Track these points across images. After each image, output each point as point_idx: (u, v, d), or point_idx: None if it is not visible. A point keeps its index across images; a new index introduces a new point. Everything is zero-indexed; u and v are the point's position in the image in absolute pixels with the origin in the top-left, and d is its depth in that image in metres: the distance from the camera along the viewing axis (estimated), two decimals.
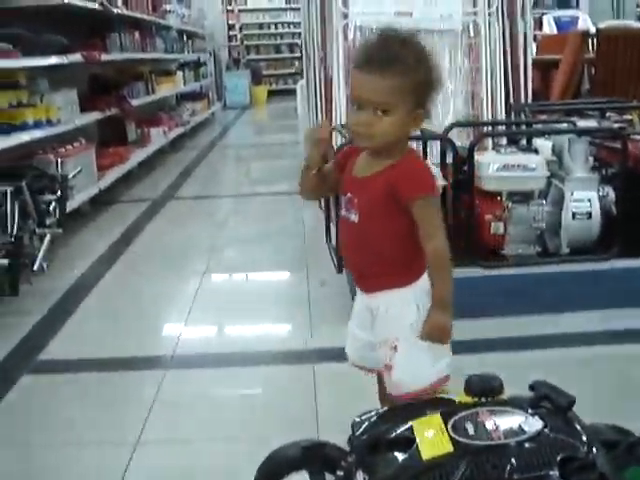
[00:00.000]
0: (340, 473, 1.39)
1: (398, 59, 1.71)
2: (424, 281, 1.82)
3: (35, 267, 3.76)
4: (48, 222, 4.18)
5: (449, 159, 3.40)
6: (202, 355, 3.09)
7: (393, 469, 1.30)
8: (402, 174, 1.76)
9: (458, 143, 3.43)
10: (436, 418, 1.39)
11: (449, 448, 1.29)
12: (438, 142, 3.62)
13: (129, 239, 4.97)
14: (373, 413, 1.51)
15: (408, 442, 1.34)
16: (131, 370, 2.86)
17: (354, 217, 1.82)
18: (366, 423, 1.48)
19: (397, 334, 1.83)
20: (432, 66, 1.77)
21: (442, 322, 1.79)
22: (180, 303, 3.69)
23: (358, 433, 1.46)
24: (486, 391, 1.47)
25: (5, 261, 3.41)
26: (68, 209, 4.66)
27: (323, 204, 4.37)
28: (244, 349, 3.11)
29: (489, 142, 3.86)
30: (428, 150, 3.70)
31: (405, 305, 1.83)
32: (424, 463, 1.28)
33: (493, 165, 3.34)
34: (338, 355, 2.88)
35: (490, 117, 4.18)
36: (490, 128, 4.17)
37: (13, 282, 3.51)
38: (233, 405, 2.63)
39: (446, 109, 4.16)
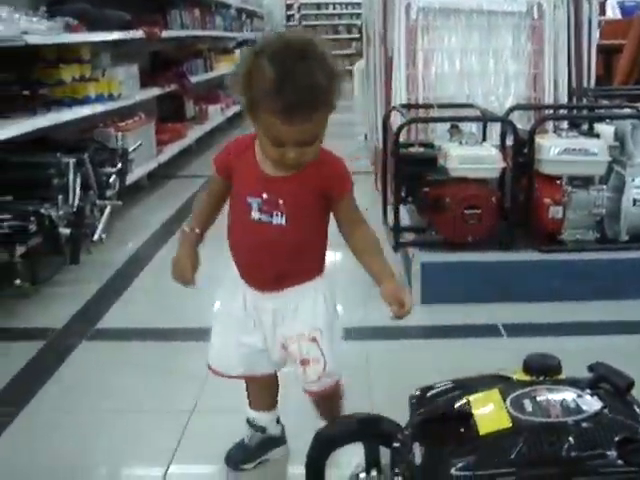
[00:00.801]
0: (396, 445, 1.40)
1: (320, 97, 1.67)
2: (327, 272, 1.93)
3: (95, 237, 3.85)
4: (108, 194, 4.26)
5: (509, 142, 3.38)
6: None
7: (450, 443, 1.30)
8: (332, 174, 1.81)
9: (519, 126, 3.40)
10: (494, 394, 1.39)
11: (507, 424, 1.29)
12: (498, 124, 3.60)
13: (185, 214, 5.03)
14: (430, 387, 1.52)
15: (465, 416, 1.35)
16: (187, 341, 2.90)
17: (279, 220, 1.79)
18: (423, 397, 1.49)
19: (316, 325, 1.87)
20: (335, 69, 1.70)
21: (403, 288, 1.86)
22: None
23: (415, 407, 1.46)
24: (545, 370, 1.46)
25: (67, 231, 3.49)
26: (127, 182, 4.74)
27: (379, 185, 4.38)
28: None
29: (550, 126, 3.82)
30: (487, 132, 3.69)
31: (317, 296, 1.88)
32: (481, 438, 1.28)
33: (554, 149, 3.31)
34: (391, 334, 2.96)
35: (552, 101, 4.13)
36: (552, 111, 4.13)
37: (75, 251, 3.59)
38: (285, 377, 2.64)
39: (507, 91, 4.13)
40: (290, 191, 1.78)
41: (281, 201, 1.78)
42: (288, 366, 1.97)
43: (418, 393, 1.51)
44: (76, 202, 3.68)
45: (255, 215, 1.80)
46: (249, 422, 2.10)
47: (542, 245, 3.32)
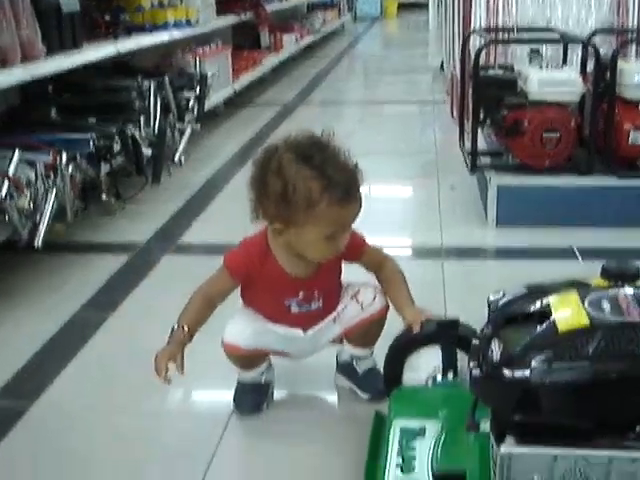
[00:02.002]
0: (475, 342, 1.44)
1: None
2: None
3: (175, 159, 3.94)
4: (187, 118, 4.34)
5: (590, 67, 3.33)
6: None
7: (529, 339, 1.34)
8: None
9: (601, 50, 3.34)
10: (573, 295, 1.42)
11: (585, 322, 1.33)
12: (579, 49, 3.54)
13: (261, 140, 5.09)
14: (509, 291, 1.55)
15: (544, 315, 1.39)
16: None
17: (317, 304, 1.90)
18: (503, 299, 1.52)
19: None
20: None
21: (424, 311, 1.86)
22: None
23: (494, 307, 1.51)
24: (623, 275, 1.49)
25: (149, 151, 3.59)
26: (205, 108, 4.81)
27: (456, 112, 4.37)
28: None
29: (633, 51, 3.75)
30: (568, 57, 3.63)
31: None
32: (560, 334, 1.32)
33: (637, 74, 3.25)
34: (467, 253, 3.00)
35: (636, 25, 4.03)
36: (636, 35, 4.03)
37: (156, 171, 3.70)
38: None
39: (589, 16, 4.04)
40: (321, 283, 1.89)
41: (316, 292, 1.88)
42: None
43: (497, 295, 1.55)
44: (157, 124, 3.77)
45: (294, 310, 1.89)
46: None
47: (620, 171, 3.28)
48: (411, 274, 2.80)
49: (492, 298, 1.54)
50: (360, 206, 1.73)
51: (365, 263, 1.95)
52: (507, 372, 1.28)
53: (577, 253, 2.96)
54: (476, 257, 2.96)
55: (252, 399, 1.98)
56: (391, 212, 3.63)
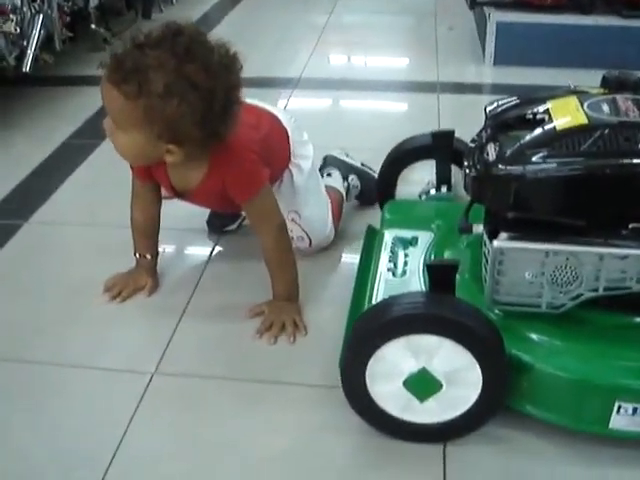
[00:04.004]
0: (471, 146, 1.43)
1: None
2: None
3: None
4: None
5: None
6: (327, 80, 3.17)
7: (525, 138, 1.32)
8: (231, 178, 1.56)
9: None
10: (572, 100, 1.40)
11: (583, 121, 1.31)
12: None
13: None
14: (507, 99, 1.53)
15: (542, 118, 1.37)
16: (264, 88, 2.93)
17: None
18: (500, 106, 1.50)
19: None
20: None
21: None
22: (308, 35, 3.76)
23: (491, 113, 1.48)
24: (624, 84, 1.46)
25: None
26: None
27: None
28: (370, 77, 3.19)
29: None
30: None
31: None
32: (557, 133, 1.30)
33: None
34: (462, 88, 2.96)
35: None
36: None
37: (146, 6, 3.60)
38: (358, 125, 2.68)
39: None
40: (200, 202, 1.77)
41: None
42: None
43: (494, 103, 1.52)
44: None
45: None
46: None
47: (624, 10, 3.20)
48: (408, 106, 2.86)
49: (489, 107, 1.52)
50: (122, 98, 1.36)
51: (247, 215, 1.74)
52: (503, 168, 1.27)
53: None
54: (472, 92, 2.92)
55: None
56: (387, 51, 3.58)
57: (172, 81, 1.34)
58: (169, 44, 1.35)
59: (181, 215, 1.82)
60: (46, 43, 2.80)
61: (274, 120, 1.76)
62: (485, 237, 1.33)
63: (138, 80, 1.33)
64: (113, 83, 1.36)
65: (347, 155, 2.11)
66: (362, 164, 2.10)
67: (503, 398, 1.28)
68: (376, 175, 1.96)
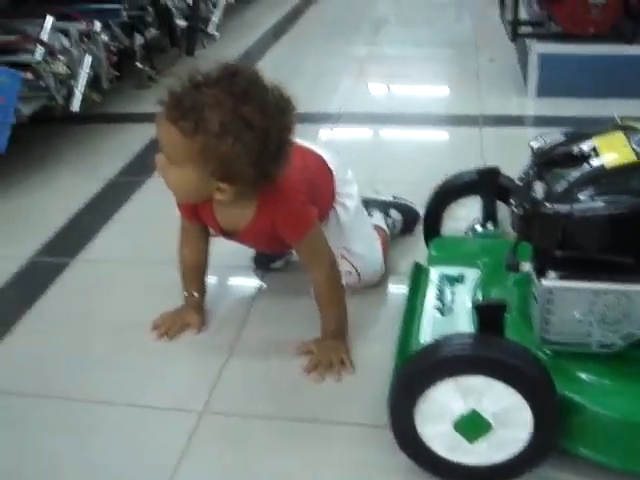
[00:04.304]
0: (517, 184, 1.42)
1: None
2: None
3: (209, 30, 3.87)
4: None
5: None
6: (368, 113, 3.19)
7: (573, 176, 1.32)
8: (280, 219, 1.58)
9: None
10: (619, 136, 1.39)
11: (632, 159, 1.30)
12: None
13: (296, 15, 5.01)
14: (551, 135, 1.52)
15: (590, 155, 1.36)
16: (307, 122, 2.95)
17: None
18: (546, 143, 1.49)
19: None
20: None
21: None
22: (349, 67, 3.80)
23: (537, 150, 1.48)
24: None
25: (183, 22, 3.53)
26: None
27: None
28: (411, 110, 3.18)
29: None
30: None
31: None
32: (606, 170, 1.30)
33: None
34: (505, 121, 2.96)
35: None
36: None
37: (190, 43, 3.65)
38: (401, 159, 2.69)
39: None
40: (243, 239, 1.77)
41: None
42: None
43: (539, 141, 1.52)
44: None
45: None
46: None
47: None
48: (450, 139, 2.86)
49: (534, 144, 1.51)
50: (179, 134, 1.39)
51: (297, 254, 1.72)
52: (550, 207, 1.27)
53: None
54: (514, 125, 2.91)
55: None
56: (429, 83, 3.61)
57: (228, 120, 1.37)
58: (226, 84, 1.39)
59: (227, 252, 1.83)
60: (93, 82, 2.85)
61: (320, 161, 1.78)
62: (533, 276, 1.33)
63: (195, 118, 1.37)
64: (171, 120, 1.39)
65: (377, 192, 2.14)
66: (394, 197, 2.13)
67: (554, 439, 1.26)
68: (410, 203, 2.07)
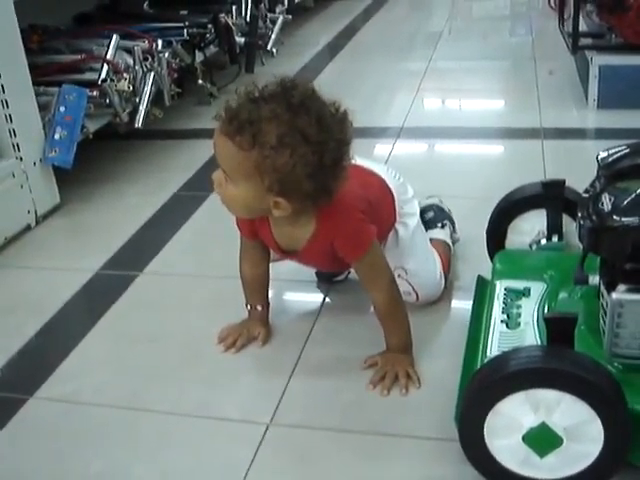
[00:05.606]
0: (584, 196, 1.42)
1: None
2: None
3: (268, 47, 3.92)
4: (278, 9, 4.31)
5: None
6: (429, 127, 3.19)
7: None
8: (339, 238, 1.57)
9: None
10: None
11: None
12: None
13: (353, 31, 5.04)
14: (619, 147, 1.51)
15: None
16: (366, 138, 2.98)
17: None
18: (612, 155, 1.49)
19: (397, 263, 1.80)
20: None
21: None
22: (408, 82, 3.80)
23: (604, 162, 1.47)
24: None
25: (242, 39, 3.59)
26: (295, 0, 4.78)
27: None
28: (471, 124, 3.19)
29: None
30: None
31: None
32: None
33: None
34: (566, 133, 2.94)
35: None
36: None
37: (249, 60, 3.70)
38: (462, 173, 2.69)
39: None
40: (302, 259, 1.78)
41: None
42: None
43: (606, 152, 1.51)
44: (249, 13, 3.75)
45: None
46: None
47: None
48: (512, 153, 2.85)
49: (602, 155, 1.51)
50: (234, 149, 1.38)
51: (357, 273, 1.71)
52: (618, 219, 1.26)
53: None
54: (577, 137, 2.89)
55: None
56: (488, 97, 3.61)
57: (285, 133, 1.36)
58: (283, 97, 1.39)
59: (290, 266, 1.84)
60: (156, 99, 2.91)
61: (380, 182, 1.77)
62: (602, 289, 1.32)
63: (252, 132, 1.36)
64: (227, 135, 1.39)
65: (442, 202, 2.13)
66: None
67: (625, 453, 1.25)
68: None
